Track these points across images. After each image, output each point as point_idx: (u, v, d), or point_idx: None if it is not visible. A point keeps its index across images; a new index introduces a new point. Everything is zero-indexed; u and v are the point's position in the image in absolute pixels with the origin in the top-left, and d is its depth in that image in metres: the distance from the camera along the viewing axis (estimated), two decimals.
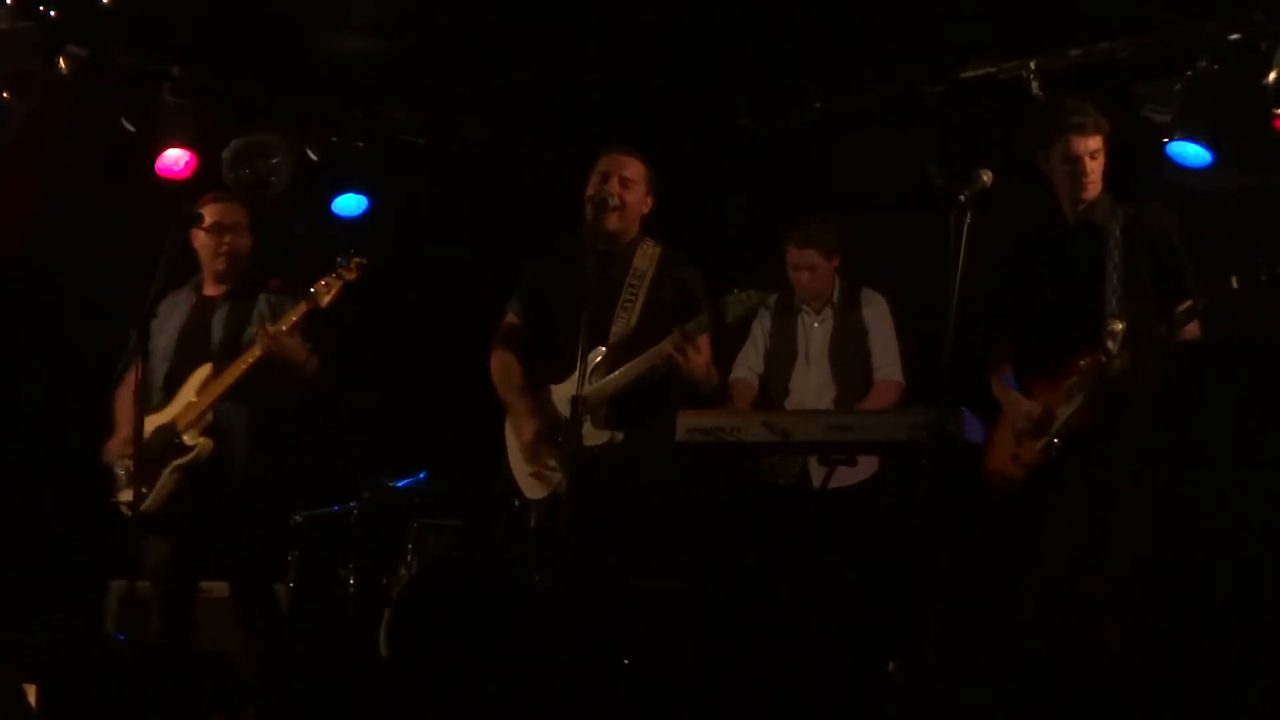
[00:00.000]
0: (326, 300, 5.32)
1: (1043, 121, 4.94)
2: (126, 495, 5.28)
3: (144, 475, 5.17)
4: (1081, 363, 4.72)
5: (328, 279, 5.33)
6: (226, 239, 5.48)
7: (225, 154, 6.55)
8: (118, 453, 5.38)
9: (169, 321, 5.45)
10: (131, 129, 6.48)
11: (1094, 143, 4.76)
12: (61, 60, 6.13)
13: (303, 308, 5.31)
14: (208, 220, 5.41)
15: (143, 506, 5.17)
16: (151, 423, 5.28)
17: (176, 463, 5.30)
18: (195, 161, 6.48)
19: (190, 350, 5.43)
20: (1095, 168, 4.78)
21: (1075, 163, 4.77)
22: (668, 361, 4.77)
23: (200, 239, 5.48)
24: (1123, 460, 4.63)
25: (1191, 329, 4.62)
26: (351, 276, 5.33)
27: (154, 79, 6.43)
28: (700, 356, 4.82)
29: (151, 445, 5.24)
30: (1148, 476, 4.07)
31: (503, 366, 5.15)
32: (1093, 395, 4.69)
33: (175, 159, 6.47)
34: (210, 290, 5.54)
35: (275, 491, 5.74)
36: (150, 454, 5.21)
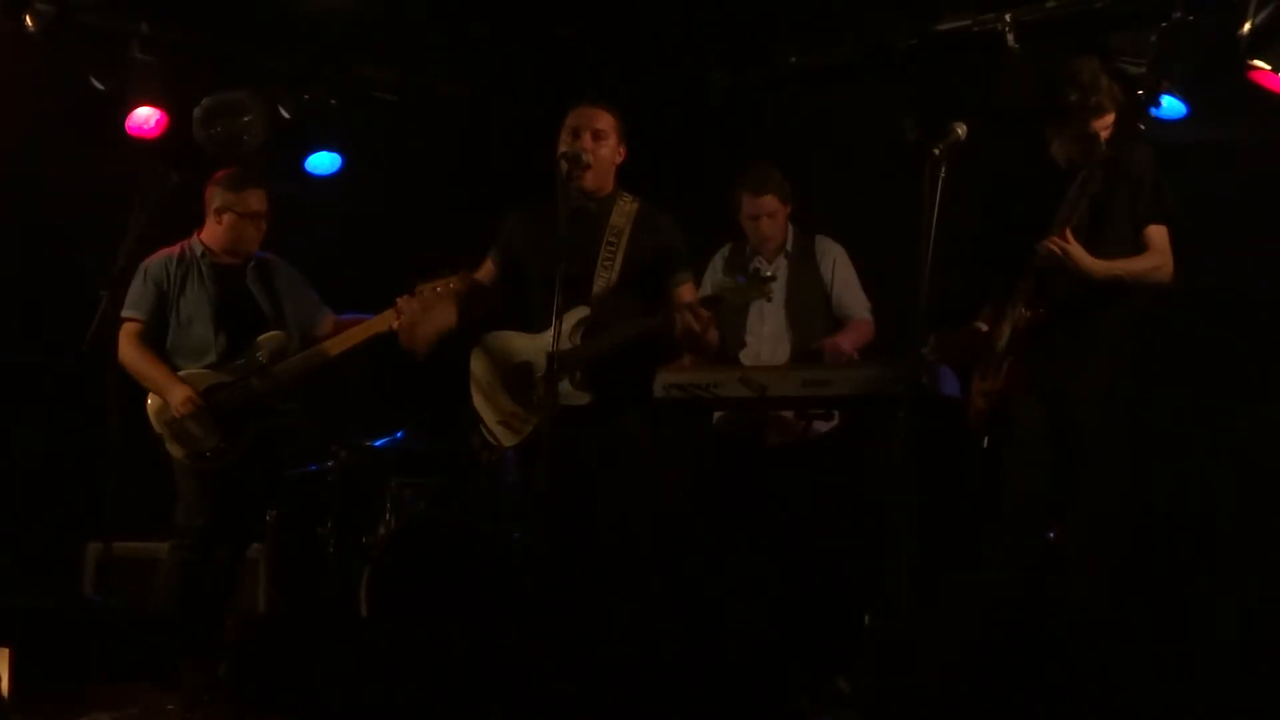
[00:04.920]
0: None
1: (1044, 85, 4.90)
2: (184, 449, 5.36)
3: (222, 429, 5.34)
4: (1020, 283, 4.73)
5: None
6: (261, 225, 5.58)
7: (197, 112, 6.50)
8: (185, 409, 5.35)
9: (189, 286, 5.48)
10: (101, 87, 6.42)
11: (1108, 120, 4.76)
12: (28, 17, 6.06)
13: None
14: (250, 206, 5.53)
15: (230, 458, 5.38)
16: (206, 379, 5.40)
17: (263, 425, 5.46)
18: (166, 120, 6.42)
19: (239, 316, 5.52)
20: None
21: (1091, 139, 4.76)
22: (683, 333, 4.72)
23: (232, 220, 5.53)
24: (1090, 410, 4.63)
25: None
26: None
27: (123, 36, 6.35)
28: (714, 328, 4.82)
29: (225, 401, 5.38)
30: (1117, 428, 4.08)
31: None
32: (1029, 300, 4.70)
33: (145, 118, 6.41)
34: (225, 259, 5.59)
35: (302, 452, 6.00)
36: (225, 410, 5.38)
